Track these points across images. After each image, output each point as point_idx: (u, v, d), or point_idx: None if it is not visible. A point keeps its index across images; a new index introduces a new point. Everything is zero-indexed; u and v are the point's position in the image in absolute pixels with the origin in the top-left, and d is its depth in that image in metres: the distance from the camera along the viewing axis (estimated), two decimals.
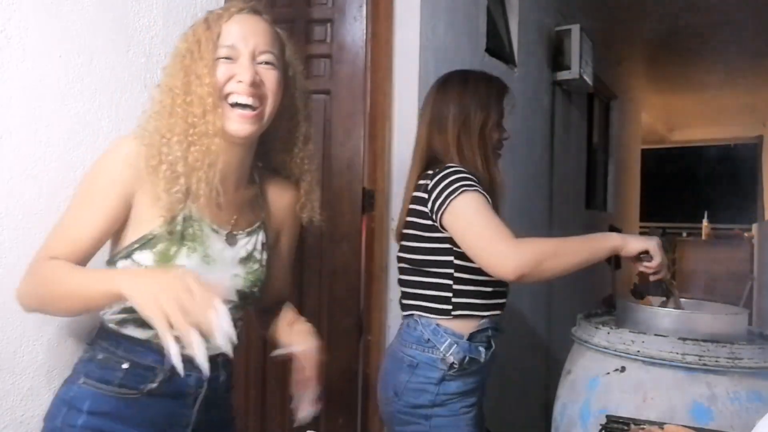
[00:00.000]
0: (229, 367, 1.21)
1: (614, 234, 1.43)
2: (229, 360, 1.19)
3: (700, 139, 9.09)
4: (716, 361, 1.49)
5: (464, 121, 1.55)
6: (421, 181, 1.56)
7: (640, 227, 7.24)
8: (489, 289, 1.55)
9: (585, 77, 3.70)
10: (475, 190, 1.45)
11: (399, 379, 1.55)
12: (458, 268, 1.54)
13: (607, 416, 1.29)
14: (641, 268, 1.46)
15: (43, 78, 1.27)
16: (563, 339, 2.15)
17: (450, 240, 1.52)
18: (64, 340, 1.31)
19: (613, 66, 5.24)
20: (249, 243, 1.17)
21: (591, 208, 4.86)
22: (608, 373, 1.61)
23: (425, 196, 1.52)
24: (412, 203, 1.59)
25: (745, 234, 6.87)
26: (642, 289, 1.77)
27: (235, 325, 1.15)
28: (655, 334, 1.56)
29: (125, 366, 1.08)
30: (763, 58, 5.43)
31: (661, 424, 1.18)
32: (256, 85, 1.07)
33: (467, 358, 1.52)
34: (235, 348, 1.17)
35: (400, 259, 1.65)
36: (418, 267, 1.59)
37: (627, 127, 5.99)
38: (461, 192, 1.44)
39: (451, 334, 1.52)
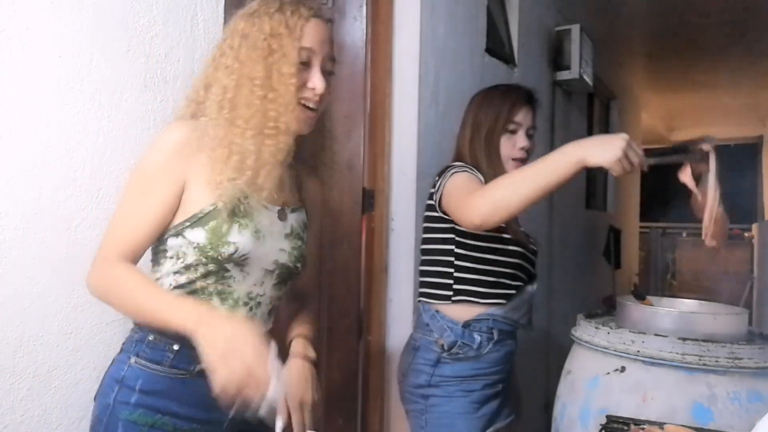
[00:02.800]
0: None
1: (571, 147, 1.26)
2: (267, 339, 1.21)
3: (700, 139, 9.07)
4: (716, 361, 1.49)
5: (477, 126, 1.69)
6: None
7: (640, 227, 7.24)
8: (491, 279, 1.63)
9: (585, 77, 3.70)
10: (463, 171, 1.58)
11: (405, 360, 1.69)
12: (458, 257, 1.64)
13: (607, 416, 1.29)
14: None
15: (43, 78, 1.27)
16: (563, 339, 2.15)
17: (451, 230, 1.64)
18: (64, 340, 1.31)
19: (613, 66, 5.24)
20: (294, 220, 1.22)
21: (591, 208, 4.85)
22: (608, 373, 1.61)
23: (433, 190, 1.67)
24: (427, 200, 1.73)
25: (745, 234, 6.87)
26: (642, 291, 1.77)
27: (277, 301, 1.23)
28: (655, 334, 1.57)
29: (176, 347, 1.10)
30: (763, 58, 5.43)
31: (661, 424, 1.18)
32: (323, 93, 1.14)
33: (459, 343, 1.60)
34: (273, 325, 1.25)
35: (420, 252, 1.79)
36: (426, 256, 1.72)
37: (627, 127, 5.99)
38: (451, 175, 1.58)
39: (447, 320, 1.62)
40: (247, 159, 1.08)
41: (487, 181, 1.58)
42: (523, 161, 1.69)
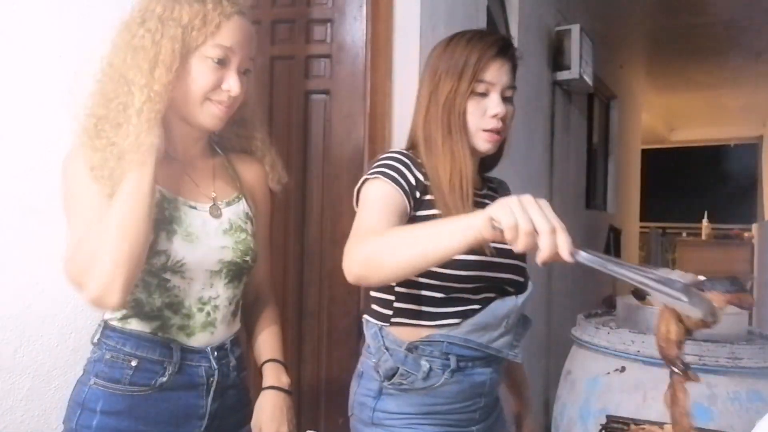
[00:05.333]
0: (238, 350, 1.21)
1: (479, 214, 0.88)
2: (236, 343, 1.21)
3: (700, 139, 9.10)
4: (716, 361, 1.49)
5: (434, 89, 1.27)
6: None
7: (640, 227, 7.25)
8: (440, 296, 1.22)
9: (585, 77, 3.70)
10: (375, 178, 1.19)
11: (351, 390, 1.34)
12: None
13: (607, 416, 1.29)
14: None
15: (43, 78, 1.27)
16: (563, 339, 2.15)
17: None
18: (64, 340, 1.31)
19: (613, 66, 5.24)
20: (232, 213, 1.18)
21: (591, 208, 4.85)
22: (608, 373, 1.61)
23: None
24: None
25: (745, 234, 6.88)
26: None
27: (237, 301, 1.20)
28: (655, 334, 1.57)
29: (134, 363, 1.08)
30: (763, 58, 5.43)
31: (661, 424, 1.18)
32: (237, 95, 1.10)
33: (399, 370, 1.22)
34: (241, 329, 1.23)
35: None
36: None
37: (627, 127, 5.99)
38: (363, 182, 1.22)
39: (390, 340, 1.25)
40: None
41: (439, 171, 1.23)
42: (497, 133, 1.26)
